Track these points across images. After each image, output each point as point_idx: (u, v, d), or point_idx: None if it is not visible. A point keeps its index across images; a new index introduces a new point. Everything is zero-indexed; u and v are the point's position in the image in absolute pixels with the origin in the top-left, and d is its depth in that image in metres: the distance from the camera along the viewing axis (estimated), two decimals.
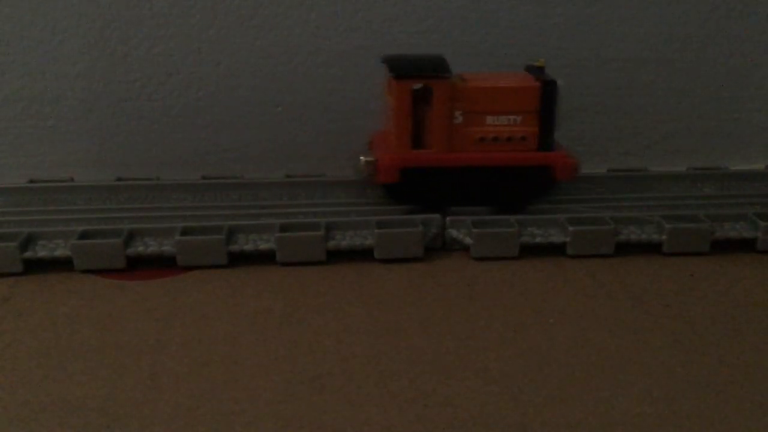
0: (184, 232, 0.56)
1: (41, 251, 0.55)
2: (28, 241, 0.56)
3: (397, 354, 0.45)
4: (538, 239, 0.57)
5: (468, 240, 0.57)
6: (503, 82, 0.59)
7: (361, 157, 0.60)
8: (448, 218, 0.58)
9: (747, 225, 0.59)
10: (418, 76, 0.57)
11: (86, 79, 0.70)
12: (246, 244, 0.56)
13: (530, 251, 0.58)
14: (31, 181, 0.67)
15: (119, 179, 0.67)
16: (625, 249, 0.58)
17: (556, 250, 0.58)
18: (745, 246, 0.58)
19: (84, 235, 0.55)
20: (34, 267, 0.55)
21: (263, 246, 0.56)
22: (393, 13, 0.70)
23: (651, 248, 0.58)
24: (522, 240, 0.57)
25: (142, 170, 0.71)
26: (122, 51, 0.69)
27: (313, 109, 0.73)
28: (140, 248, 0.55)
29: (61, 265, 0.55)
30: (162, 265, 0.56)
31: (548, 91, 0.58)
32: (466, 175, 0.59)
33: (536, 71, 0.60)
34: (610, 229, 0.57)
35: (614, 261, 0.57)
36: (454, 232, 0.58)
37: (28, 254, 0.54)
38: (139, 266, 0.56)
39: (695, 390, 0.42)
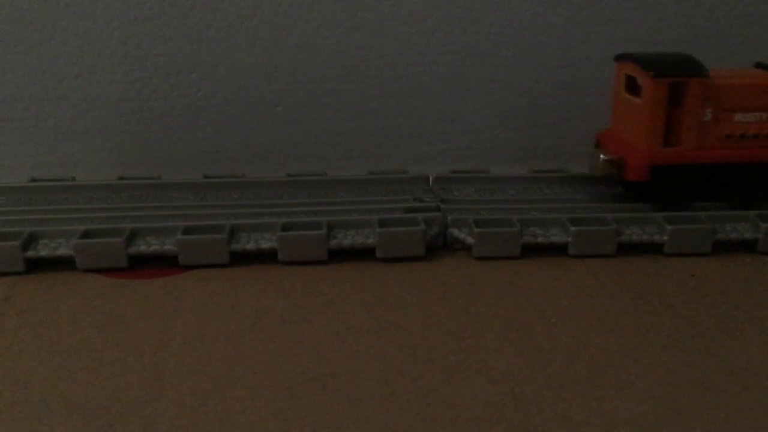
0: (186, 231, 0.56)
1: (43, 250, 0.55)
2: (30, 241, 0.56)
3: (399, 353, 0.45)
4: (539, 239, 0.57)
5: (470, 239, 0.57)
6: (752, 80, 0.60)
7: (601, 156, 0.61)
8: (449, 217, 0.58)
9: (748, 226, 0.59)
10: (676, 74, 0.58)
11: (86, 79, 0.70)
12: (248, 243, 0.56)
13: (532, 251, 0.58)
14: (33, 180, 0.67)
15: (121, 178, 0.67)
16: (626, 249, 0.58)
17: (557, 250, 0.58)
18: (747, 247, 0.59)
19: (86, 235, 0.55)
20: (36, 266, 0.55)
21: (265, 245, 0.56)
22: (393, 13, 0.70)
23: (653, 249, 0.58)
24: (524, 240, 0.57)
25: (142, 170, 0.71)
26: (122, 51, 0.69)
27: (313, 109, 0.73)
28: (142, 247, 0.55)
29: (63, 264, 0.55)
30: (164, 264, 0.56)
31: None
32: (713, 172, 0.60)
33: None
34: (612, 229, 0.57)
35: (616, 261, 0.57)
36: (455, 232, 0.58)
37: (30, 253, 0.54)
38: (141, 265, 0.56)
39: (697, 390, 0.42)
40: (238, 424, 0.39)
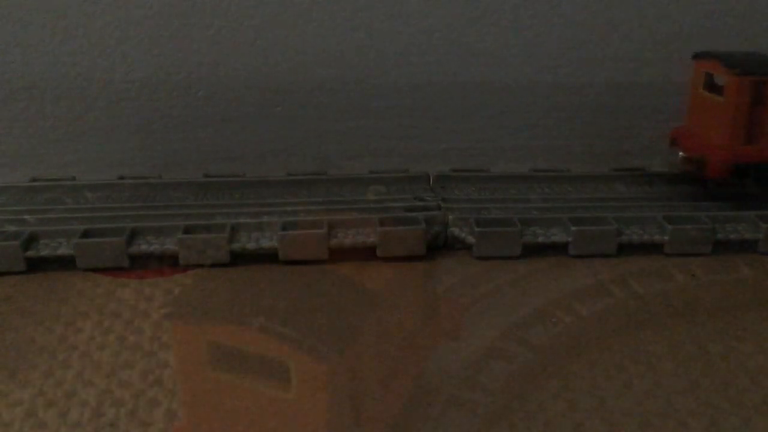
0: (187, 230, 0.56)
1: (43, 250, 0.55)
2: (31, 240, 0.55)
3: (399, 353, 0.45)
4: (540, 239, 0.57)
5: (470, 239, 0.57)
6: None
7: (680, 153, 0.62)
8: (450, 216, 0.58)
9: (748, 226, 0.59)
10: (760, 73, 0.58)
11: (87, 79, 0.70)
12: (248, 242, 0.56)
13: (532, 251, 0.58)
14: (33, 180, 0.66)
15: (121, 178, 0.67)
16: (627, 249, 0.58)
17: (558, 249, 0.58)
18: (747, 247, 0.59)
19: (86, 234, 0.55)
20: (37, 266, 0.55)
21: (265, 244, 0.56)
22: (393, 12, 0.70)
23: (653, 249, 0.58)
24: (524, 239, 0.57)
25: (143, 169, 0.71)
26: (122, 51, 0.69)
27: (313, 109, 0.73)
28: (142, 247, 0.55)
29: (64, 263, 0.55)
30: (164, 263, 0.56)
31: None
32: None
33: None
34: (613, 229, 0.57)
35: (616, 261, 0.57)
36: (456, 231, 0.58)
37: (30, 253, 0.54)
38: (141, 265, 0.56)
39: (697, 390, 0.42)
40: (238, 424, 0.39)
